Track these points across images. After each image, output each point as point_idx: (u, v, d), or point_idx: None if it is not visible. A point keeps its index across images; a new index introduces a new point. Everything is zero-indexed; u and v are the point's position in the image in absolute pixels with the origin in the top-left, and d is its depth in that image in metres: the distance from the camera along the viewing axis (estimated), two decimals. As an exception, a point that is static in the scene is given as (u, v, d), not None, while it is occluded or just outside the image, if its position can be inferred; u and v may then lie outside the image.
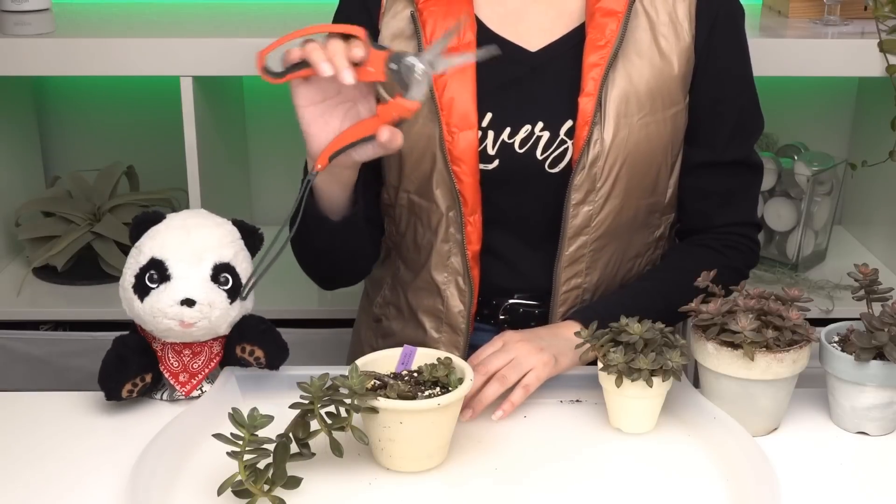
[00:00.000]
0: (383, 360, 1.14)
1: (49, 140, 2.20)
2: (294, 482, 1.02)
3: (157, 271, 1.15)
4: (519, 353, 1.20)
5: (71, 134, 2.20)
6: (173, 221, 1.19)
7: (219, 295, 1.16)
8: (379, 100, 1.18)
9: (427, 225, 1.35)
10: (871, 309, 1.17)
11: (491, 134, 1.30)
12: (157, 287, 1.15)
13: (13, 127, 2.07)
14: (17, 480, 1.07)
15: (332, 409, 1.03)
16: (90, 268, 1.99)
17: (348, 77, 1.08)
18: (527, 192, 1.32)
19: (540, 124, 1.30)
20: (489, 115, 1.30)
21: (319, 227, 1.26)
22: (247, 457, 0.99)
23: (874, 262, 2.02)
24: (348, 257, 1.37)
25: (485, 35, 1.32)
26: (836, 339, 1.18)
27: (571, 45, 1.31)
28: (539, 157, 1.31)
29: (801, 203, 1.99)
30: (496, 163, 1.31)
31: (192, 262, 1.16)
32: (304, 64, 1.11)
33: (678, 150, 1.36)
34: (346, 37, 1.11)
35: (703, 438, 1.14)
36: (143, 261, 1.16)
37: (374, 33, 1.33)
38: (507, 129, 1.30)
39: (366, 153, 1.16)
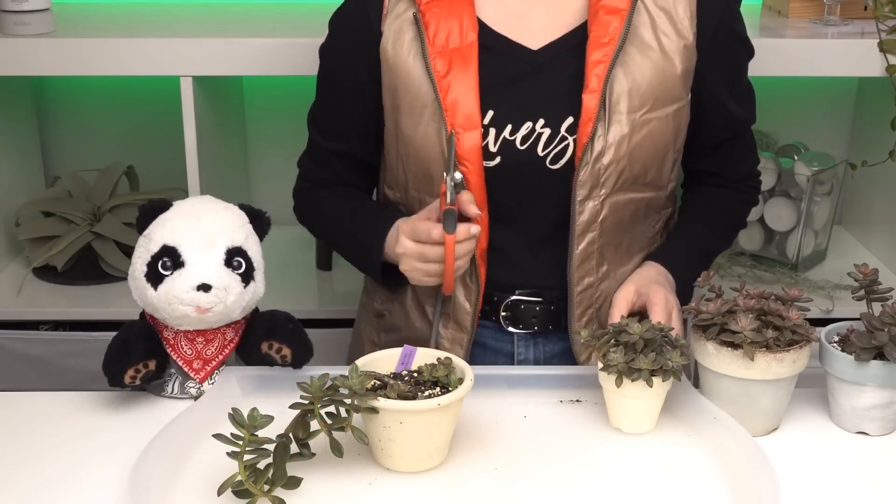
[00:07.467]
0: (383, 360, 1.14)
1: (49, 140, 2.20)
2: (294, 482, 1.02)
3: (170, 258, 1.15)
4: (670, 303, 1.30)
5: (71, 134, 2.20)
6: (181, 208, 1.19)
7: (233, 279, 1.16)
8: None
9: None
10: (871, 309, 1.17)
11: (492, 131, 1.31)
12: (171, 274, 1.15)
13: (13, 127, 2.07)
14: (16, 480, 1.07)
15: (332, 409, 1.04)
16: (90, 268, 1.99)
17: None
18: (529, 188, 1.33)
19: (541, 121, 1.30)
20: (491, 113, 1.30)
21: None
22: (247, 457, 0.99)
23: (874, 262, 2.02)
24: None
25: (487, 35, 1.32)
26: (836, 339, 1.18)
27: (573, 44, 1.32)
28: (540, 154, 1.31)
29: (801, 203, 1.99)
30: (498, 160, 1.31)
31: (204, 248, 1.16)
32: None
33: (680, 145, 1.37)
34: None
35: (703, 438, 1.14)
36: (155, 248, 1.16)
37: (375, 36, 1.34)
38: (509, 127, 1.31)
39: None
